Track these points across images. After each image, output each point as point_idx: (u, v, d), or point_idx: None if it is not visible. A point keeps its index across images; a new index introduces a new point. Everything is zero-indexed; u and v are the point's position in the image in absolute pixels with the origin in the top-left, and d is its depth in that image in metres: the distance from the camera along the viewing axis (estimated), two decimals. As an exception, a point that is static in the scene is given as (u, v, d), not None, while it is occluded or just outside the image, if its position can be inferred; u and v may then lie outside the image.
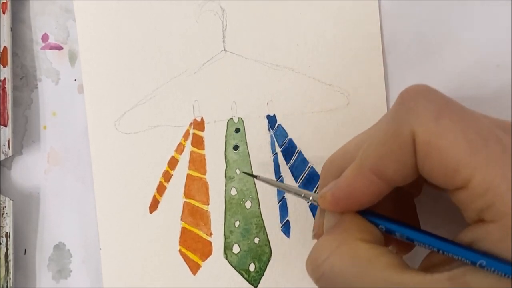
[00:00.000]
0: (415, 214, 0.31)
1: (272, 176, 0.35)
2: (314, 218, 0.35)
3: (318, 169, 0.35)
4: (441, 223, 0.31)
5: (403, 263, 0.24)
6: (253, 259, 0.35)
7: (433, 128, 0.22)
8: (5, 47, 0.35)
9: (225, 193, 0.35)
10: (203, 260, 0.35)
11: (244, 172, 0.35)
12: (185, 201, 0.36)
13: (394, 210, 0.29)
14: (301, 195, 0.29)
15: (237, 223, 0.35)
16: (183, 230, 0.35)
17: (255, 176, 0.33)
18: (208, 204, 0.35)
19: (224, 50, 0.35)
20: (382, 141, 0.24)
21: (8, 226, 0.35)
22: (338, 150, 0.30)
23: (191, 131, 0.36)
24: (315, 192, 0.35)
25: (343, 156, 0.29)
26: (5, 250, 0.35)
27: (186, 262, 0.35)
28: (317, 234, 0.29)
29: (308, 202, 0.35)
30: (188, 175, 0.36)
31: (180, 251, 0.35)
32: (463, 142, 0.22)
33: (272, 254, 0.35)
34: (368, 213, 0.26)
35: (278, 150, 0.35)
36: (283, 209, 0.35)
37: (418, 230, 0.25)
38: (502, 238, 0.21)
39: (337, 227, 0.26)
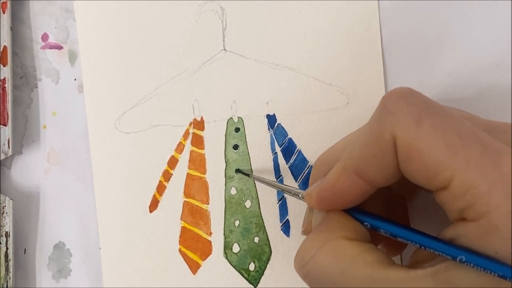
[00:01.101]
0: (407, 217, 0.32)
1: (272, 175, 0.35)
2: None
3: (318, 169, 0.35)
4: (434, 226, 0.31)
5: (387, 260, 0.24)
6: (253, 258, 0.35)
7: (413, 131, 0.23)
8: (5, 46, 0.35)
9: (225, 193, 0.35)
10: (203, 260, 0.35)
11: (237, 170, 0.35)
12: (185, 201, 0.36)
13: (386, 213, 0.30)
14: (291, 193, 0.30)
15: (237, 223, 0.35)
16: (183, 229, 0.36)
17: (248, 175, 0.34)
18: (208, 204, 0.35)
19: (224, 49, 0.35)
20: (365, 143, 0.25)
21: (8, 226, 0.35)
22: (328, 149, 0.30)
23: (191, 130, 0.36)
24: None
25: (332, 155, 0.29)
26: (5, 249, 0.35)
27: (186, 262, 0.35)
28: (306, 230, 0.29)
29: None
30: (188, 174, 0.36)
31: (180, 250, 0.36)
32: (443, 145, 0.22)
33: (272, 254, 0.35)
34: (354, 211, 0.27)
35: (278, 149, 0.35)
36: (283, 209, 0.35)
37: (401, 226, 0.25)
38: (481, 236, 0.22)
39: (323, 225, 0.27)
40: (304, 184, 0.35)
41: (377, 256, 0.24)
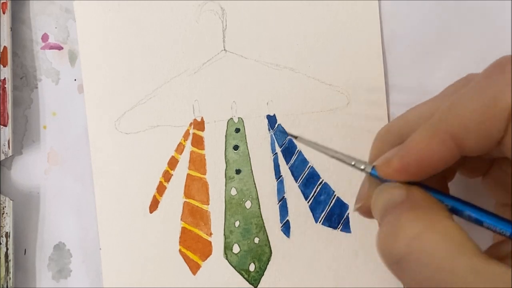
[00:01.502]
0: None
1: (271, 175, 0.35)
2: (314, 218, 0.35)
3: (318, 169, 0.35)
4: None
5: (483, 252, 0.22)
6: (253, 259, 0.35)
7: None
8: (5, 47, 0.35)
9: (225, 193, 0.35)
10: (203, 260, 0.35)
11: (288, 134, 0.34)
12: (185, 201, 0.36)
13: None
14: (351, 164, 0.26)
15: (237, 223, 0.35)
16: (183, 230, 0.36)
17: (296, 137, 0.29)
18: (208, 204, 0.35)
19: (224, 50, 0.35)
20: (471, 107, 0.22)
21: (8, 226, 0.35)
22: (395, 119, 0.27)
23: (191, 131, 0.36)
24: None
25: (404, 124, 0.26)
26: (5, 250, 0.35)
27: (186, 262, 0.35)
28: (363, 207, 0.26)
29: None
30: (188, 175, 0.36)
31: (180, 251, 0.35)
32: None
33: (272, 254, 0.35)
34: (429, 189, 0.24)
35: (278, 150, 0.35)
36: (283, 209, 0.35)
37: (489, 212, 0.23)
38: None
39: (415, 203, 0.23)
40: (305, 185, 0.35)
41: (475, 245, 0.22)
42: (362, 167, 0.25)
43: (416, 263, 0.22)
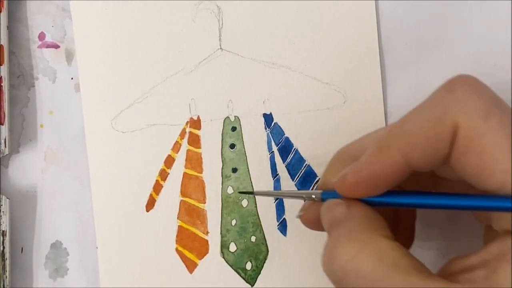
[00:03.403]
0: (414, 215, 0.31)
1: (268, 174, 0.35)
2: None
3: (315, 168, 0.35)
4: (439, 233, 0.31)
5: (424, 267, 0.23)
6: (249, 257, 0.35)
7: (480, 126, 0.22)
8: (1, 45, 0.35)
9: (222, 192, 0.35)
10: (200, 259, 0.35)
11: (240, 192, 0.35)
12: (181, 200, 0.36)
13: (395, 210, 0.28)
14: (303, 197, 0.28)
15: (233, 222, 0.35)
16: (180, 228, 0.35)
17: (251, 193, 0.34)
18: (205, 203, 0.35)
19: (221, 48, 0.35)
20: (419, 123, 0.23)
21: (5, 225, 0.35)
22: (351, 143, 0.28)
23: (188, 129, 0.36)
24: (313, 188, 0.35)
25: (359, 147, 0.27)
26: (1, 248, 0.35)
27: (182, 261, 0.35)
28: (304, 217, 0.28)
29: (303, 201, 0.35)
30: (184, 173, 0.36)
31: (176, 249, 0.35)
32: (506, 146, 0.21)
33: (269, 253, 0.35)
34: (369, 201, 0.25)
35: (275, 148, 0.35)
36: (280, 208, 0.35)
37: (433, 193, 0.24)
38: None
39: (354, 222, 0.24)
40: (301, 184, 0.35)
41: (415, 262, 0.22)
42: (313, 196, 0.27)
43: (352, 284, 0.23)
